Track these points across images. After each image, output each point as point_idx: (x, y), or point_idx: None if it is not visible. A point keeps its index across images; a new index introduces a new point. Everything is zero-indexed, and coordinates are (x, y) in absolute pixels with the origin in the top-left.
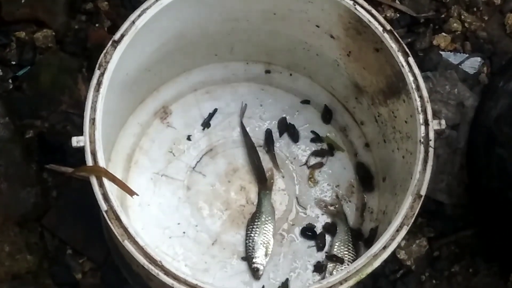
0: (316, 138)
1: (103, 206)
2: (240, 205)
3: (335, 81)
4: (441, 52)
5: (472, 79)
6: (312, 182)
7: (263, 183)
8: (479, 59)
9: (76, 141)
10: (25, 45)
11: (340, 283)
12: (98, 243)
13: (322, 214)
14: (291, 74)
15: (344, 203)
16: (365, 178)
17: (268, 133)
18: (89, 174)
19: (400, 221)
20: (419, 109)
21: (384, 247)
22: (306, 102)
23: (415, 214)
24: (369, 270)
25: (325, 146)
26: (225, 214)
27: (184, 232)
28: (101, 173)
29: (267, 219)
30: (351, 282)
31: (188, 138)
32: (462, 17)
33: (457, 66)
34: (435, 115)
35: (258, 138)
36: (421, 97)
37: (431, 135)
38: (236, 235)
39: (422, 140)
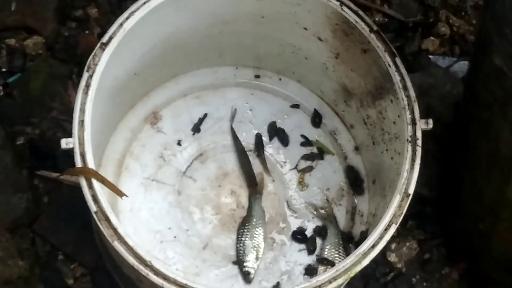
0: (306, 142)
1: (93, 207)
2: (230, 209)
3: (324, 84)
4: (430, 56)
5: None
6: (302, 186)
7: (254, 187)
8: (467, 62)
9: (65, 143)
10: (15, 52)
11: (329, 281)
12: (90, 248)
13: (313, 218)
14: (280, 79)
15: (334, 206)
16: (355, 181)
17: (258, 138)
18: (78, 175)
19: (388, 220)
20: (406, 108)
21: (373, 246)
22: (295, 106)
23: (403, 213)
24: (358, 268)
25: (315, 150)
26: (216, 218)
27: (175, 237)
28: (90, 174)
29: (257, 222)
30: (340, 280)
31: (179, 143)
32: (450, 21)
33: (446, 69)
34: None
35: (248, 142)
36: (408, 96)
37: (419, 134)
38: (227, 239)
39: (409, 139)
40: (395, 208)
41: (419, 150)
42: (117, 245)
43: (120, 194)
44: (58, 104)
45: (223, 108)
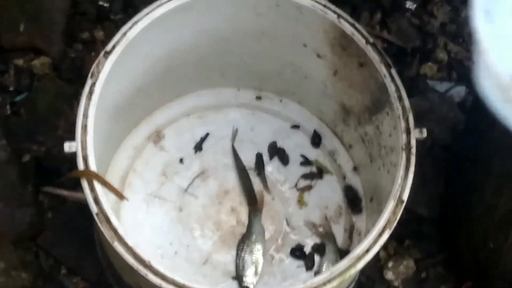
0: (306, 161)
1: (94, 209)
2: (231, 225)
3: (324, 104)
4: (428, 81)
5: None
6: (302, 204)
7: (254, 204)
8: (464, 87)
9: (68, 147)
10: (23, 72)
11: (324, 284)
12: (92, 262)
13: (311, 235)
14: (281, 100)
15: (332, 224)
16: (353, 200)
17: (259, 157)
18: (80, 177)
19: (382, 225)
20: (401, 117)
21: (367, 250)
22: (295, 127)
23: (397, 219)
24: (352, 271)
25: (314, 169)
26: (216, 235)
27: (176, 252)
28: (92, 176)
29: (257, 238)
30: (335, 283)
31: (181, 161)
32: (448, 47)
33: (442, 94)
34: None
35: (249, 161)
36: (403, 106)
37: (413, 142)
38: (227, 255)
39: (403, 147)
40: (389, 213)
41: (413, 159)
42: (117, 245)
43: (121, 197)
44: (63, 123)
45: (224, 128)
